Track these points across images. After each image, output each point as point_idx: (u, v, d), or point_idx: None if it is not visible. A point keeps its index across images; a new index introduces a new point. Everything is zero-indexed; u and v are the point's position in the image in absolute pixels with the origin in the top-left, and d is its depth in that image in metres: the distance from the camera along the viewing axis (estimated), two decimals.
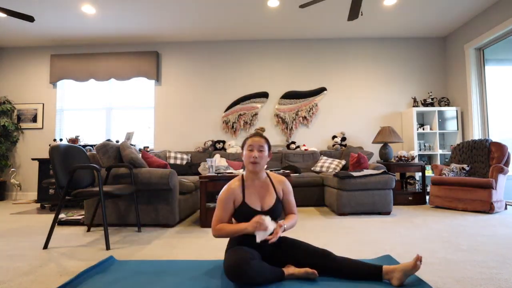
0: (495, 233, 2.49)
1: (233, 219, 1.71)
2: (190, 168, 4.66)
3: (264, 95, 5.47)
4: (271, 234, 1.55)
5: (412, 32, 5.33)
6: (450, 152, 4.98)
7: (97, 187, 2.35)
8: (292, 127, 5.39)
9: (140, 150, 5.00)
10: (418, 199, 4.14)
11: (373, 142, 4.53)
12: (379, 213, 3.44)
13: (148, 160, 3.18)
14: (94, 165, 2.28)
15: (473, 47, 4.83)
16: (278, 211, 1.70)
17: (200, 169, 4.57)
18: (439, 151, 5.05)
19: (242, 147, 1.73)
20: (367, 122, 5.45)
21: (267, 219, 1.53)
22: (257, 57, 5.55)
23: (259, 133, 1.75)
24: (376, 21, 4.90)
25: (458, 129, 5.03)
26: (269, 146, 1.74)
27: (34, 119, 5.54)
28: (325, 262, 1.53)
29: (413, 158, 4.36)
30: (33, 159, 4.62)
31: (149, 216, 2.91)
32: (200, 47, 5.59)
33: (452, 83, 5.35)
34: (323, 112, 5.47)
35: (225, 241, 2.37)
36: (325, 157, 4.81)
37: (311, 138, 5.45)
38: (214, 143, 5.21)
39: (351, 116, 5.46)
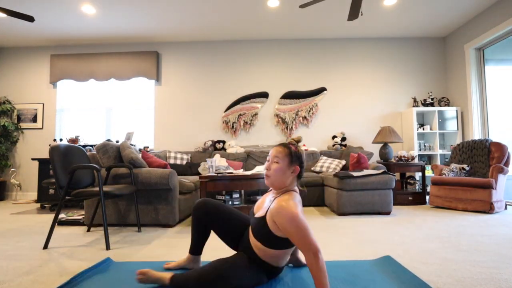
0: (495, 233, 2.49)
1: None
2: (190, 168, 4.66)
3: (264, 95, 5.47)
4: None
5: (412, 32, 5.33)
6: (450, 152, 4.98)
7: (97, 187, 2.35)
8: (292, 127, 5.39)
9: (140, 150, 5.00)
10: (418, 199, 4.14)
11: (373, 142, 4.53)
12: (379, 213, 3.44)
13: (148, 160, 3.18)
14: (94, 165, 2.28)
15: (473, 47, 4.83)
16: (258, 229, 1.42)
17: (200, 169, 4.57)
18: (439, 151, 5.05)
19: None
20: (367, 122, 5.45)
21: None
22: (257, 57, 5.55)
23: (284, 143, 1.47)
24: (376, 21, 4.90)
25: (458, 129, 5.03)
26: (294, 158, 1.43)
27: (34, 119, 5.54)
28: None
29: (413, 158, 4.36)
30: (33, 159, 4.62)
31: (149, 216, 2.91)
32: (200, 47, 5.59)
33: (452, 83, 5.35)
34: (323, 112, 5.47)
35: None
36: (325, 157, 4.81)
37: (311, 138, 5.45)
38: (214, 143, 5.21)
39: (351, 116, 5.46)
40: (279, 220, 1.31)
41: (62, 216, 3.28)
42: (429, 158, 5.29)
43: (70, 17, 4.58)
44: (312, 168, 4.72)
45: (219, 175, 2.93)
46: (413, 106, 5.24)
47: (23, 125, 5.54)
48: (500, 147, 3.70)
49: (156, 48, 5.61)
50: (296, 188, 1.49)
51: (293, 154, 1.43)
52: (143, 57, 5.48)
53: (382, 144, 5.01)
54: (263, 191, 3.84)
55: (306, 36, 5.46)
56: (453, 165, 4.00)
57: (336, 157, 4.91)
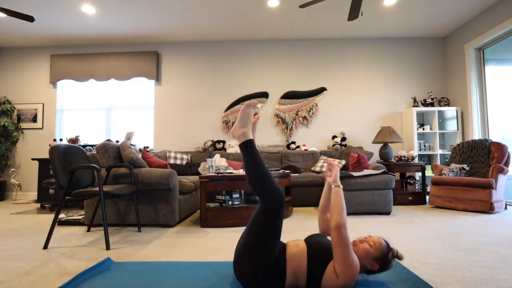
0: (495, 233, 2.49)
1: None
2: (190, 168, 4.66)
3: (264, 95, 5.47)
4: None
5: (412, 32, 5.33)
6: (450, 152, 4.98)
7: (97, 187, 2.35)
8: (292, 127, 5.39)
9: (140, 150, 5.00)
10: (418, 199, 4.13)
11: (373, 142, 4.53)
12: (379, 213, 3.44)
13: (148, 160, 3.18)
14: (94, 165, 2.28)
15: (473, 47, 4.83)
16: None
17: (200, 169, 4.57)
18: (439, 151, 5.05)
19: None
20: (367, 122, 5.45)
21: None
22: (257, 57, 5.55)
23: (389, 246, 1.48)
24: (376, 21, 4.90)
25: (458, 129, 5.03)
26: (382, 259, 1.43)
27: (34, 119, 5.54)
28: None
29: (413, 158, 4.36)
30: (33, 159, 4.62)
31: (149, 216, 2.90)
32: (200, 47, 5.59)
33: (452, 83, 5.35)
34: (323, 112, 5.47)
35: (224, 242, 2.37)
36: (325, 157, 4.81)
37: (311, 138, 5.45)
38: (214, 143, 5.21)
39: (351, 116, 5.46)
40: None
41: (62, 216, 3.28)
42: (429, 158, 5.29)
43: (70, 17, 4.58)
44: (312, 168, 4.72)
45: (219, 175, 2.93)
46: (413, 106, 5.24)
47: (23, 125, 5.54)
48: (500, 147, 3.70)
49: (156, 48, 5.61)
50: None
51: (386, 256, 1.41)
52: (143, 57, 5.48)
53: (382, 144, 5.01)
54: None
55: (306, 36, 5.46)
56: (453, 165, 4.00)
57: (336, 157, 4.91)
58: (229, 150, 5.07)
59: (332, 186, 1.47)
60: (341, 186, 1.45)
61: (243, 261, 1.38)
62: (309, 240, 1.47)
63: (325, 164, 4.57)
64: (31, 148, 5.53)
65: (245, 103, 1.61)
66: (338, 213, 1.34)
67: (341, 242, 1.30)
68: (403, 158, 4.38)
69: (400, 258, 1.45)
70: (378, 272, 1.43)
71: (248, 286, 1.38)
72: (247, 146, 1.51)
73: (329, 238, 1.49)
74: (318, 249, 1.39)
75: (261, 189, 1.42)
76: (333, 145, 5.18)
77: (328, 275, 1.33)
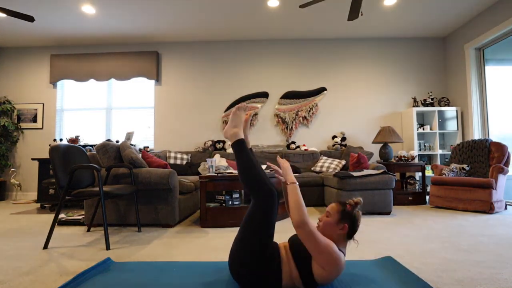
0: (495, 233, 2.49)
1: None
2: (190, 168, 4.66)
3: (264, 95, 5.47)
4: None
5: (412, 32, 5.33)
6: (450, 152, 4.98)
7: (97, 187, 2.35)
8: (292, 127, 5.39)
9: (140, 150, 5.00)
10: (418, 199, 4.13)
11: (373, 142, 4.53)
12: (379, 213, 3.44)
13: (148, 160, 3.18)
14: (94, 165, 2.28)
15: (473, 47, 4.83)
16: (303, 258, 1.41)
17: (200, 169, 4.57)
18: (439, 151, 5.05)
19: None
20: (367, 122, 5.45)
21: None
22: (257, 57, 5.55)
23: (341, 201, 1.48)
24: (376, 21, 4.90)
25: (458, 129, 5.03)
26: (345, 216, 1.42)
27: (34, 119, 5.54)
28: None
29: (413, 158, 4.36)
30: (33, 159, 4.62)
31: (149, 216, 2.90)
32: (200, 47, 5.59)
33: (452, 83, 5.35)
34: (323, 112, 5.47)
35: (224, 242, 2.37)
36: (325, 157, 4.81)
37: (311, 138, 5.45)
38: (214, 143, 5.21)
39: (351, 116, 5.46)
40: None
41: (62, 216, 3.27)
42: (429, 158, 5.29)
43: (70, 17, 4.58)
44: (312, 168, 4.72)
45: (219, 175, 2.93)
46: (413, 106, 5.24)
47: (23, 125, 5.54)
48: (500, 147, 3.70)
49: (156, 48, 5.61)
50: (342, 247, 1.45)
51: (344, 212, 1.43)
52: (143, 57, 5.48)
53: (382, 144, 5.01)
54: None
55: (306, 36, 5.46)
56: (453, 165, 4.00)
57: (336, 157, 4.91)
58: (229, 150, 5.07)
59: (288, 183, 1.44)
60: (297, 183, 1.45)
61: (238, 259, 1.39)
62: (291, 240, 1.48)
63: (325, 164, 4.57)
64: (31, 148, 5.53)
65: (236, 106, 1.68)
66: (297, 211, 1.34)
67: (308, 238, 1.30)
68: (403, 158, 4.38)
69: (358, 203, 1.44)
70: (354, 230, 1.42)
71: (246, 286, 1.38)
72: (238, 145, 1.56)
73: None
74: (298, 247, 1.40)
75: (252, 187, 1.45)
76: (333, 145, 5.18)
77: (315, 270, 1.34)
